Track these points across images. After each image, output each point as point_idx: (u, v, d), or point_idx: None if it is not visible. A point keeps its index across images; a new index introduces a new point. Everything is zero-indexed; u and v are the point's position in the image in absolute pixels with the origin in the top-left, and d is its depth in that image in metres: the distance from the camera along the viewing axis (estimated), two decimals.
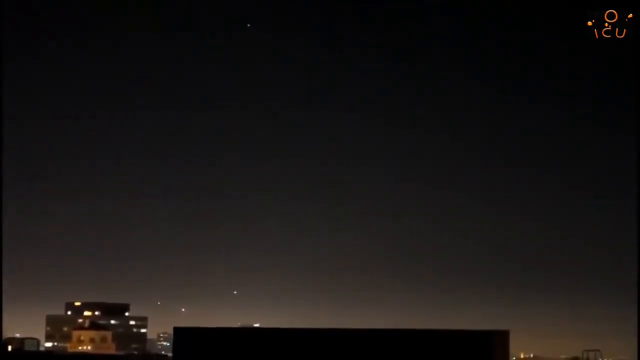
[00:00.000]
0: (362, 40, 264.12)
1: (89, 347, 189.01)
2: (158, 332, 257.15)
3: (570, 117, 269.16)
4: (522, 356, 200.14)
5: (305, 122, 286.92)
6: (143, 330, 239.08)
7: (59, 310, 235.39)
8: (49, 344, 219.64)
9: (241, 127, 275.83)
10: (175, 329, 23.93)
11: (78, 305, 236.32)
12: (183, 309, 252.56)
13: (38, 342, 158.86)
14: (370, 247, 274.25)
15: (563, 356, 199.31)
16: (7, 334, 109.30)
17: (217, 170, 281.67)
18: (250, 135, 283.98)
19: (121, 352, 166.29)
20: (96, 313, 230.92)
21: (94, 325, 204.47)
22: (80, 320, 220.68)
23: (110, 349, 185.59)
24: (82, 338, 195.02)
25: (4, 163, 29.18)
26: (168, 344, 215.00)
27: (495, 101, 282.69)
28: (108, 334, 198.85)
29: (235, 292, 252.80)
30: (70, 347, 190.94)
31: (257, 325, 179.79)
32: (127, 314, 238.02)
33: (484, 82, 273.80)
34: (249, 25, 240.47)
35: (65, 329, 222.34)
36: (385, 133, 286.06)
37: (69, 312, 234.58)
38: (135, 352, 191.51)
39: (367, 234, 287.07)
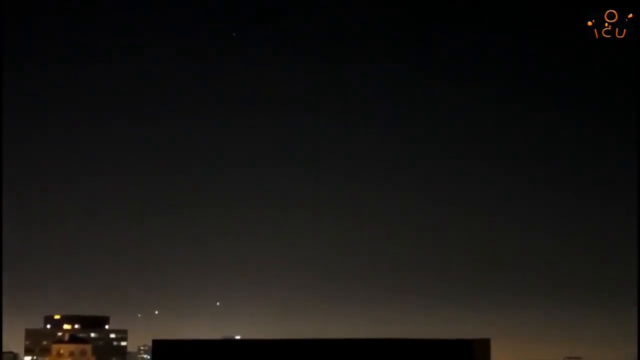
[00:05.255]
0: (357, 54, 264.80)
1: None
2: (139, 344, 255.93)
3: (569, 116, 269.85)
4: None
5: (283, 137, 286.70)
6: (123, 343, 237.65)
7: (38, 324, 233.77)
8: (27, 358, 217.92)
9: (224, 142, 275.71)
10: (155, 342, 23.75)
11: (57, 319, 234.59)
12: (157, 312, 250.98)
13: (16, 356, 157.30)
14: (352, 259, 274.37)
15: None
16: None
17: (201, 185, 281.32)
18: (234, 151, 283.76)
19: None
20: (76, 326, 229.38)
21: (73, 338, 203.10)
22: (59, 334, 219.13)
23: None
24: (61, 352, 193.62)
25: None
26: (149, 357, 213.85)
27: (495, 101, 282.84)
28: (88, 347, 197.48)
29: (218, 304, 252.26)
30: None
31: (238, 337, 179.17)
32: (107, 326, 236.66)
33: (483, 82, 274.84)
34: (234, 34, 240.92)
35: (44, 342, 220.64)
36: (373, 143, 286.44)
37: (48, 326, 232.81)
38: None
39: (349, 246, 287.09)
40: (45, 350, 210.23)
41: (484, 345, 22.26)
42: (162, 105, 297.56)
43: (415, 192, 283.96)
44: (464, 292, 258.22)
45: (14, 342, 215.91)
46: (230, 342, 23.61)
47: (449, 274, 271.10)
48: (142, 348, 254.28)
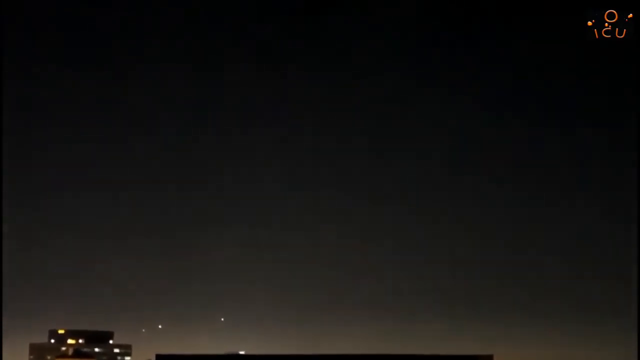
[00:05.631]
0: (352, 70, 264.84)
1: None
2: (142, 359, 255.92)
3: (568, 117, 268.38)
4: None
5: (287, 153, 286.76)
6: (127, 358, 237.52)
7: (42, 338, 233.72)
8: None
9: (227, 160, 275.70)
10: (158, 357, 23.75)
11: (62, 333, 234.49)
12: (160, 326, 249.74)
13: None
14: (356, 275, 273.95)
15: None
16: None
17: (204, 201, 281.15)
18: (235, 167, 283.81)
19: None
20: (80, 341, 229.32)
21: (77, 353, 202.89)
22: (63, 349, 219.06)
23: None
24: None
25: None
26: None
27: (493, 101, 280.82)
28: None
29: (222, 319, 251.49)
30: None
31: (242, 352, 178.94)
32: (111, 341, 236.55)
33: (482, 83, 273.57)
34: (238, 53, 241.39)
35: (48, 357, 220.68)
36: (367, 160, 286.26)
37: (52, 340, 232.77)
38: None
39: (351, 262, 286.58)
40: None
41: None
42: (166, 114, 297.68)
43: (416, 208, 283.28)
44: (467, 308, 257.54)
45: (18, 356, 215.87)
46: (233, 357, 23.55)
47: (452, 290, 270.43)
48: None
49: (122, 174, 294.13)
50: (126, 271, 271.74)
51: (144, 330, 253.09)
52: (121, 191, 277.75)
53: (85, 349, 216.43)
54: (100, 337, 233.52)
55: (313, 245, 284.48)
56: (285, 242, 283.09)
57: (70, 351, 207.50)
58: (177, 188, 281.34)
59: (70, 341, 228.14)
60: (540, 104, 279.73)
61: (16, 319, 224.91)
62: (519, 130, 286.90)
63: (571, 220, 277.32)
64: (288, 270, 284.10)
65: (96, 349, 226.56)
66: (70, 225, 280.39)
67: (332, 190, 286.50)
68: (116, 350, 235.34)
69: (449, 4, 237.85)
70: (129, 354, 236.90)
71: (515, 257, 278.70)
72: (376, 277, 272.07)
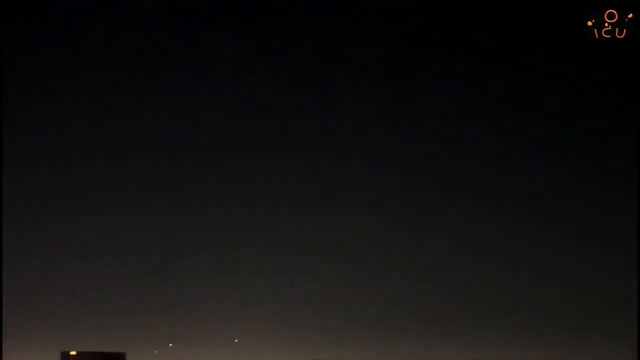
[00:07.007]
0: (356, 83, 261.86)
1: None
2: None
3: (567, 118, 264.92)
4: None
5: (291, 175, 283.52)
6: None
7: None
8: None
9: (236, 177, 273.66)
10: None
11: (73, 355, 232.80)
12: (171, 344, 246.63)
13: None
14: (371, 300, 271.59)
15: None
16: None
17: (218, 224, 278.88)
18: (243, 189, 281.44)
19: None
20: None
21: None
22: None
23: None
24: None
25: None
26: None
27: (493, 101, 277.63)
28: None
29: (236, 341, 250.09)
30: None
31: None
32: None
33: (481, 84, 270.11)
34: (247, 72, 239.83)
35: None
36: (367, 178, 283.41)
37: None
38: None
39: (366, 287, 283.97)
40: None
41: None
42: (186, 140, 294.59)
43: (411, 235, 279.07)
44: (464, 334, 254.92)
45: None
46: None
47: (447, 320, 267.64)
48: None
49: (136, 201, 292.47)
50: (138, 292, 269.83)
51: (156, 351, 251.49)
52: (134, 219, 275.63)
53: None
54: (113, 359, 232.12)
55: (331, 272, 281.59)
56: (302, 266, 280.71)
57: None
58: (192, 218, 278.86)
59: None
60: (537, 104, 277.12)
61: (25, 340, 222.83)
62: (518, 130, 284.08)
63: (574, 244, 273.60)
64: (304, 293, 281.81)
65: None
66: (83, 248, 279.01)
67: (354, 217, 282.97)
68: None
69: (445, 4, 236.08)
70: None
71: (513, 283, 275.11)
72: (400, 306, 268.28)
